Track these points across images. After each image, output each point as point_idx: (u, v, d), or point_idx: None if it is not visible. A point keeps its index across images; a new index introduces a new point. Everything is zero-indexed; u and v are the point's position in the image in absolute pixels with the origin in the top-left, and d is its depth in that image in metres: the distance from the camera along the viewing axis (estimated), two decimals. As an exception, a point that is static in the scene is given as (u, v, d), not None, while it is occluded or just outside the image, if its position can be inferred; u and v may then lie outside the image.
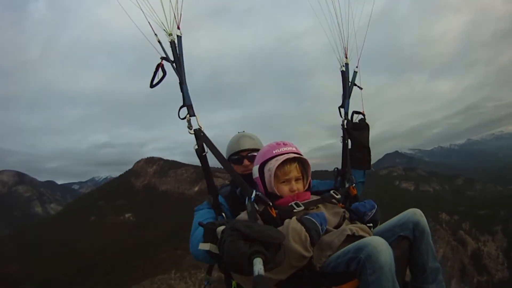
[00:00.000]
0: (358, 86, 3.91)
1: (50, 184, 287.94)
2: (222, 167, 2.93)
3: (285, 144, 3.00)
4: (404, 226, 2.71)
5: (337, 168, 3.64)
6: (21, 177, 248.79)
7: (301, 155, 2.98)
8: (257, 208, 2.62)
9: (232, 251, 1.91)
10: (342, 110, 3.80)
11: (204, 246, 2.17)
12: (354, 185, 3.38)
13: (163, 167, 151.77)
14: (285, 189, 2.90)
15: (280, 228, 2.32)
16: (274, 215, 2.58)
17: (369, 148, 3.78)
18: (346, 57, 3.89)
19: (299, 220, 2.35)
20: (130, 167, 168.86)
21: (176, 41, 2.84)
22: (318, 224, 2.34)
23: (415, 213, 2.74)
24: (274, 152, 2.95)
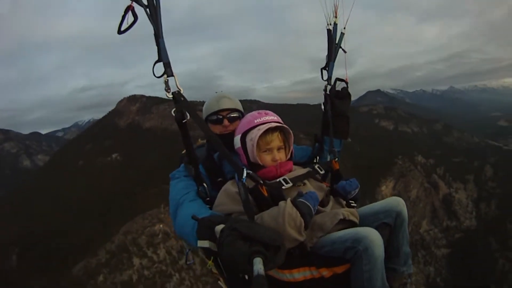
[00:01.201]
0: (343, 50, 3.84)
1: (35, 135, 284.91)
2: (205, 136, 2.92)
3: (266, 114, 3.06)
4: (387, 213, 2.89)
5: (315, 134, 3.77)
6: (5, 134, 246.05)
7: (282, 124, 3.02)
8: (247, 185, 2.64)
9: (232, 250, 1.94)
10: (325, 72, 3.77)
11: (203, 244, 2.20)
12: (336, 159, 3.51)
13: (146, 104, 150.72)
14: (267, 158, 2.98)
15: (275, 211, 2.42)
16: (266, 194, 2.65)
17: (348, 117, 3.76)
18: (336, 16, 3.78)
19: (294, 204, 2.40)
20: (113, 107, 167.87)
21: None
22: (312, 208, 2.43)
23: (399, 203, 2.92)
24: (255, 121, 2.99)
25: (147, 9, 2.49)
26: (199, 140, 3.81)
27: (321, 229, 2.60)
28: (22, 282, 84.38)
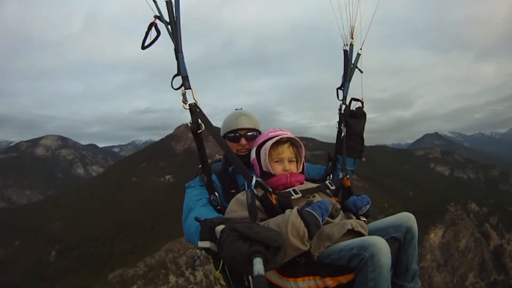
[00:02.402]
0: (359, 70, 3.93)
1: (92, 147, 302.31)
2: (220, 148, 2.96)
3: (281, 130, 3.24)
4: (397, 228, 2.93)
5: (329, 153, 3.87)
6: (64, 142, 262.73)
7: (294, 137, 3.19)
8: (256, 193, 2.70)
9: (232, 251, 1.94)
10: (341, 92, 3.88)
11: (204, 244, 2.20)
12: (348, 176, 3.57)
13: (205, 132, 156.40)
14: (278, 168, 3.10)
15: (280, 218, 2.46)
16: (274, 202, 2.70)
17: (363, 137, 3.81)
18: (352, 37, 3.89)
19: (300, 213, 2.40)
20: (171, 131, 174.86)
21: (173, 0, 2.74)
22: (318, 218, 2.41)
23: (409, 219, 2.96)
24: (270, 135, 3.17)
25: (169, 26, 2.71)
26: (217, 155, 3.90)
27: (329, 239, 2.63)
28: (57, 278, 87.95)
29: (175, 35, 2.69)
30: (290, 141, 3.16)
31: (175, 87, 2.74)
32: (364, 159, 3.88)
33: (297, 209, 2.44)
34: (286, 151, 3.13)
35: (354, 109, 3.82)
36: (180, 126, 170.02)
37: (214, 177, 3.24)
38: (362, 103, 3.80)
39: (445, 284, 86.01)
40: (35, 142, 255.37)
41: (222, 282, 2.84)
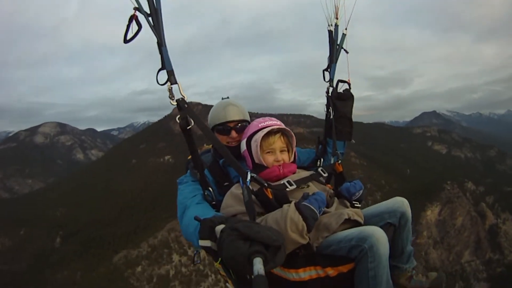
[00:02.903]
0: (345, 50, 3.89)
1: (90, 131, 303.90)
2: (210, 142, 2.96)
3: (270, 119, 3.25)
4: (392, 214, 3.02)
5: (319, 136, 3.90)
6: (62, 128, 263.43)
7: (285, 127, 3.20)
8: (252, 188, 2.70)
9: (232, 250, 1.94)
10: (327, 74, 3.86)
11: (205, 243, 2.19)
12: (340, 161, 3.62)
13: (201, 111, 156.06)
14: (270, 159, 3.13)
15: (278, 214, 2.49)
16: (270, 197, 2.71)
17: (351, 119, 3.83)
18: (337, 17, 3.82)
19: (297, 207, 2.43)
20: (169, 112, 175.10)
21: None
22: (316, 211, 2.45)
23: (403, 203, 3.05)
24: (259, 125, 3.18)
25: (149, 18, 2.56)
26: (205, 145, 3.83)
27: (326, 229, 2.66)
28: (63, 263, 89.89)
29: (157, 28, 2.57)
30: (281, 131, 3.20)
31: (160, 83, 2.67)
32: (353, 141, 3.95)
33: (295, 203, 2.49)
34: (278, 142, 3.16)
35: (341, 91, 3.82)
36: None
37: (205, 171, 3.24)
38: (349, 84, 3.82)
39: (441, 261, 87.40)
40: (33, 130, 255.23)
41: (222, 273, 2.95)
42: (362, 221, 2.86)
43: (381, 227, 2.74)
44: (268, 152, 3.14)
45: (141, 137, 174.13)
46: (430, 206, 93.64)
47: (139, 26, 2.55)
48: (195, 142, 2.87)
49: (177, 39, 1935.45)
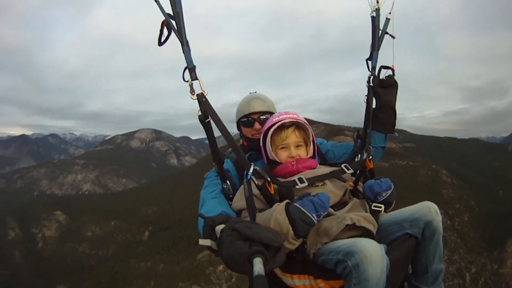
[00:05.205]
0: (390, 35, 3.68)
1: (185, 139, 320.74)
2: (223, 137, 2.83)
3: (286, 113, 3.14)
4: (414, 223, 2.66)
5: (358, 130, 3.62)
6: (158, 134, 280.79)
7: (298, 119, 3.09)
8: (256, 183, 2.69)
9: (232, 250, 1.95)
10: (370, 63, 3.64)
11: (205, 242, 2.17)
12: (371, 157, 3.32)
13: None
14: (283, 155, 3.06)
15: (267, 213, 2.47)
16: (272, 192, 2.67)
17: (395, 109, 3.56)
18: (378, 1, 3.68)
19: (286, 208, 2.33)
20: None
21: None
22: (308, 214, 2.26)
23: (430, 211, 2.67)
24: (274, 120, 3.11)
25: (171, 21, 2.73)
26: (240, 141, 3.81)
27: (326, 234, 2.44)
28: (148, 254, 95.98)
29: (179, 29, 2.74)
30: (295, 124, 3.10)
31: (185, 80, 2.74)
32: (396, 133, 3.93)
33: (286, 203, 2.40)
34: (291, 136, 3.07)
35: (384, 77, 3.58)
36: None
37: (230, 165, 3.38)
38: (393, 70, 3.58)
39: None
40: (130, 135, 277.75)
41: None
42: (373, 229, 2.56)
43: (397, 238, 2.68)
44: (283, 148, 3.09)
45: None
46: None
47: (169, 31, 2.74)
48: (214, 135, 2.88)
49: (272, 52, 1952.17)
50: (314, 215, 2.25)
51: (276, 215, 2.30)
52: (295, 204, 2.30)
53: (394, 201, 2.90)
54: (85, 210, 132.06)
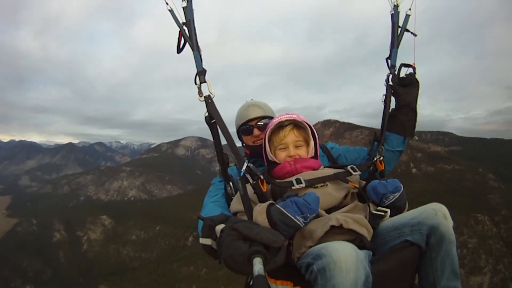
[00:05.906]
0: (412, 32, 3.57)
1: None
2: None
3: (287, 114, 3.09)
4: (415, 228, 2.29)
5: (375, 132, 3.41)
6: (203, 142, 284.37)
7: (296, 119, 3.05)
8: (251, 181, 2.64)
9: (231, 250, 1.93)
10: (390, 62, 3.50)
11: (205, 241, 2.19)
12: (382, 158, 3.16)
13: (339, 129, 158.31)
14: (282, 155, 3.01)
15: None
16: (264, 190, 2.58)
17: (416, 110, 3.32)
18: None
19: (268, 210, 2.26)
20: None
21: (186, 6, 2.89)
22: (290, 216, 2.17)
23: (436, 213, 2.26)
24: (274, 121, 3.08)
25: (183, 28, 2.87)
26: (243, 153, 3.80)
27: (311, 237, 2.26)
28: (191, 259, 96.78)
29: (190, 36, 2.85)
30: (293, 123, 3.06)
31: (196, 83, 2.80)
32: (416, 137, 3.37)
33: (268, 204, 2.32)
34: (290, 135, 3.03)
35: (404, 75, 3.40)
36: (316, 124, 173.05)
37: (235, 172, 3.22)
38: (414, 68, 3.39)
39: None
40: (175, 143, 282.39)
41: None
42: (366, 233, 2.28)
43: (393, 246, 2.37)
44: (281, 148, 3.05)
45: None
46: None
47: (185, 40, 2.87)
48: (219, 136, 2.88)
49: (316, 56, 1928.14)
50: (298, 217, 2.19)
51: (256, 216, 2.27)
52: (276, 205, 2.24)
53: (406, 207, 2.63)
54: (130, 214, 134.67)
